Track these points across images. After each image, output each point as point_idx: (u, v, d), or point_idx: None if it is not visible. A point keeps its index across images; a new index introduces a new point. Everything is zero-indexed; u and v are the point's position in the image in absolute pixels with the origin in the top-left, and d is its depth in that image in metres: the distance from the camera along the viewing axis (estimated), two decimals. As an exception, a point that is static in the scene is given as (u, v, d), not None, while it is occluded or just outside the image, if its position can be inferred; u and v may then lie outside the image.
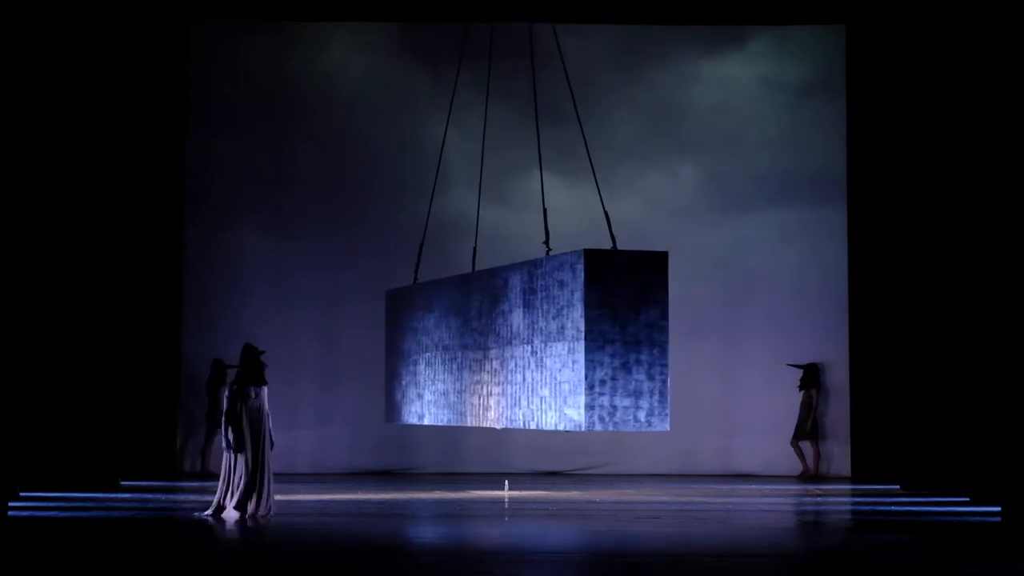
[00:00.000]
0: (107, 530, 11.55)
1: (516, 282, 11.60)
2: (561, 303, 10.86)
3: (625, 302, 10.66)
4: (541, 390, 11.03)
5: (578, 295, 10.65)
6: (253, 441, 12.31)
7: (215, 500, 12.45)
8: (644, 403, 10.56)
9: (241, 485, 12.29)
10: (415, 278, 14.01)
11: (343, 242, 17.89)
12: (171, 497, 14.54)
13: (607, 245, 11.16)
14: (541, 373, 11.03)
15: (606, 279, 10.67)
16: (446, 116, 14.60)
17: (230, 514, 12.26)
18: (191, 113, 17.95)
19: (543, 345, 11.08)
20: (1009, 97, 14.31)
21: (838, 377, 17.72)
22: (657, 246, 11.19)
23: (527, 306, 11.39)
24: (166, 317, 17.51)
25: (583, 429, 10.64)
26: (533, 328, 11.26)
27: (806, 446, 17.58)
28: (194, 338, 17.75)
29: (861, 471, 17.34)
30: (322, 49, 18.29)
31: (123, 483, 15.73)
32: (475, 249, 13.54)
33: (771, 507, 14.23)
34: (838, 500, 14.97)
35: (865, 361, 17.44)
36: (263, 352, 12.73)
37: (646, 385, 10.58)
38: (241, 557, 10.27)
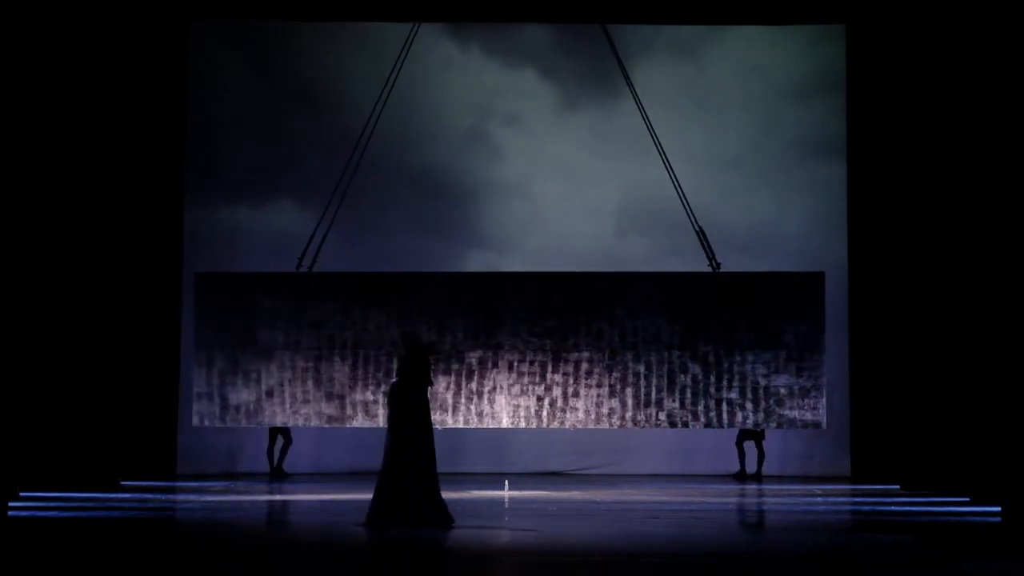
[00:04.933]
0: (107, 530, 11.55)
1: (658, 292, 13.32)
2: (785, 317, 13.14)
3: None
4: (767, 395, 13.15)
5: (814, 312, 13.01)
6: (429, 446, 11.37)
7: (372, 508, 11.40)
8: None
9: (384, 494, 11.29)
10: (307, 265, 13.85)
11: (344, 245, 17.86)
12: (171, 497, 14.55)
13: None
14: (759, 380, 13.15)
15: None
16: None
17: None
18: (190, 112, 17.95)
19: (746, 353, 13.16)
20: (1010, 92, 14.30)
21: (838, 377, 17.70)
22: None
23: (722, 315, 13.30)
24: (166, 316, 17.50)
25: (823, 427, 13.40)
26: (712, 337, 13.21)
27: (750, 446, 17.49)
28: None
29: (861, 471, 17.35)
30: (322, 47, 18.30)
31: (123, 483, 15.73)
32: (320, 246, 13.68)
33: (771, 507, 14.22)
34: (838, 500, 14.96)
35: (865, 360, 17.43)
36: (435, 351, 11.95)
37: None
38: (241, 557, 10.27)
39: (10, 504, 12.46)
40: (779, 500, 14.91)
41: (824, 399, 13.26)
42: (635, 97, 14.79)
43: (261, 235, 17.88)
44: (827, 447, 17.69)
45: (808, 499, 14.96)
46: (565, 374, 13.36)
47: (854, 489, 16.19)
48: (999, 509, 12.88)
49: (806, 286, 13.24)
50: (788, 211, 18.05)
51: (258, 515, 13.20)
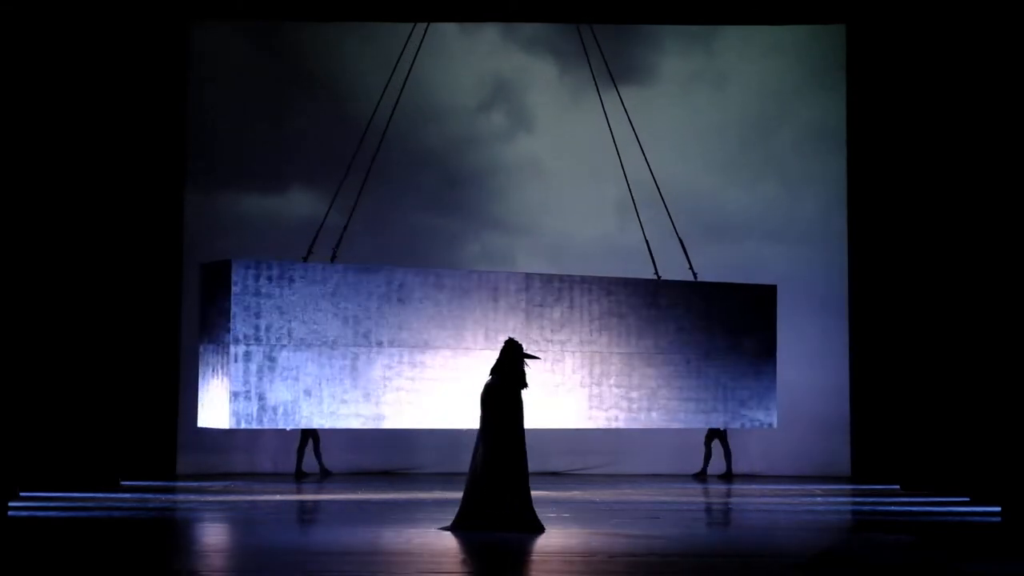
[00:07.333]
0: (107, 530, 11.55)
1: (632, 298, 13.97)
2: (740, 324, 14.26)
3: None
4: (733, 395, 14.22)
5: (768, 322, 14.34)
6: (521, 448, 11.18)
7: (461, 510, 11.24)
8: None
9: (474, 496, 11.12)
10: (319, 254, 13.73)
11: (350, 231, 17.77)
12: (171, 497, 14.55)
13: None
14: (712, 381, 14.14)
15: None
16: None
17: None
18: (190, 113, 17.94)
19: (710, 357, 14.15)
20: (1011, 90, 14.30)
21: (838, 377, 17.71)
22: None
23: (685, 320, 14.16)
24: (166, 316, 17.50)
25: (774, 427, 14.60)
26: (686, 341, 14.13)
27: (716, 445, 17.50)
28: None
29: (861, 471, 17.35)
30: (326, 34, 18.28)
31: (123, 483, 15.73)
32: (316, 236, 13.61)
33: (771, 507, 14.23)
34: (838, 500, 14.97)
35: (865, 361, 17.44)
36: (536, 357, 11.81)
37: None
38: (240, 557, 10.27)
39: (10, 504, 12.46)
40: (779, 500, 14.91)
41: (776, 401, 14.46)
42: (602, 104, 15.00)
43: (266, 226, 17.82)
44: (827, 447, 17.69)
45: (808, 499, 14.97)
46: (575, 373, 13.70)
47: (854, 489, 16.20)
48: (999, 509, 12.89)
49: (760, 297, 14.46)
50: (793, 203, 18.07)
51: (258, 515, 13.21)
